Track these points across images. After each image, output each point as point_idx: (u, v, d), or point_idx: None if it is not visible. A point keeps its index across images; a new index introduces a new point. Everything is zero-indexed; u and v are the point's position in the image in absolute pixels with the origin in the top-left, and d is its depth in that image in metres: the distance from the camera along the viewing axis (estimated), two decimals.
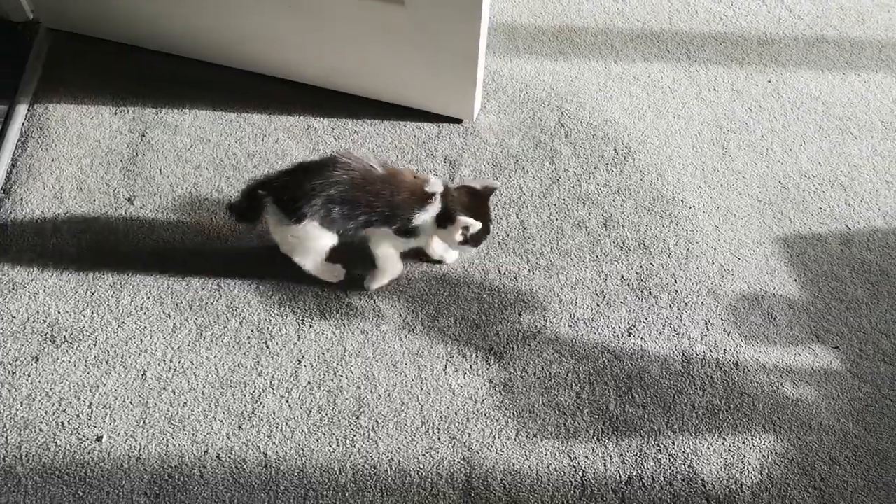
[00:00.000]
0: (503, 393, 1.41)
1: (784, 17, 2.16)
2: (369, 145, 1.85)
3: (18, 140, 1.79)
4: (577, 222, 1.66)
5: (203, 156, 1.81)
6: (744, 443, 1.33)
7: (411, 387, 1.43)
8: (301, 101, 1.93)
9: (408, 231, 1.42)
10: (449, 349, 1.48)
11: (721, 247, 1.61)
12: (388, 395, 1.42)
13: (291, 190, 1.38)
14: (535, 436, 1.35)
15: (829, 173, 1.74)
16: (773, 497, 1.26)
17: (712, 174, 1.75)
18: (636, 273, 1.57)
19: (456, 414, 1.39)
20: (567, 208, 1.70)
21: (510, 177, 1.77)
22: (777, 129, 1.85)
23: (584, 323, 1.51)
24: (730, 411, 1.37)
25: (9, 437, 1.34)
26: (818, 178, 1.74)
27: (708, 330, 1.48)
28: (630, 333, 1.48)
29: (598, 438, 1.34)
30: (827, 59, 2.03)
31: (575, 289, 1.56)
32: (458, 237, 1.42)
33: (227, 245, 1.64)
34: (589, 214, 1.68)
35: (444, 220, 1.41)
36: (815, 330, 1.47)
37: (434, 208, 1.41)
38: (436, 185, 1.42)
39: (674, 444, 1.33)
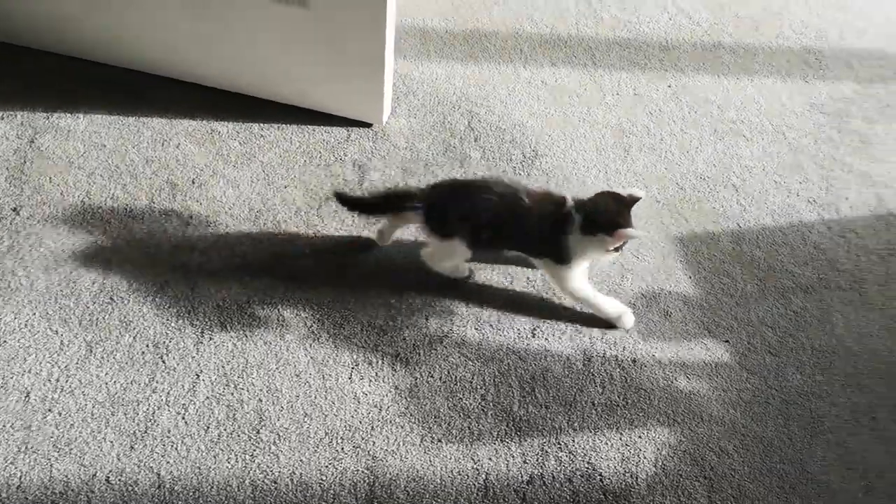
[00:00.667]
0: (409, 399, 1.41)
1: (684, 24, 2.25)
2: (276, 150, 1.81)
3: None
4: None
5: (97, 162, 1.73)
6: (640, 437, 1.37)
7: (315, 397, 1.40)
8: (205, 104, 1.88)
9: (562, 255, 1.41)
10: (355, 357, 1.46)
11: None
12: (291, 407, 1.39)
13: (440, 208, 1.45)
14: (439, 440, 1.35)
15: (722, 174, 1.82)
16: (666, 488, 1.31)
17: (615, 176, 1.80)
18: (541, 275, 1.59)
19: (361, 422, 1.37)
20: None
21: (420, 181, 1.77)
22: (675, 132, 1.92)
23: (490, 325, 1.52)
24: (627, 407, 1.41)
25: None
26: (712, 179, 1.81)
27: (608, 328, 1.52)
28: (534, 334, 1.51)
29: (501, 440, 1.36)
30: (723, 64, 2.12)
31: (482, 292, 1.57)
32: (610, 245, 1.39)
33: (122, 255, 1.57)
34: None
35: (591, 229, 1.39)
36: (707, 325, 1.53)
37: (575, 222, 1.39)
38: (568, 201, 1.42)
39: (574, 441, 1.35)
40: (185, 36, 1.82)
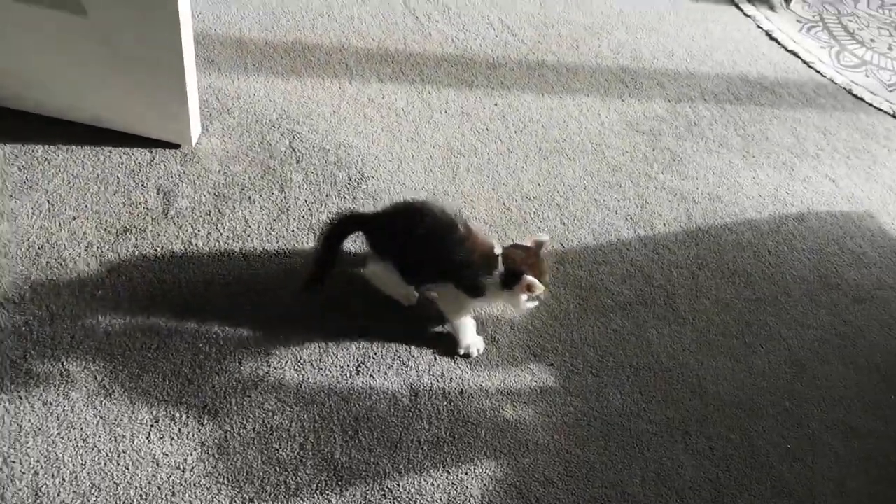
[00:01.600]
0: (217, 456, 1.27)
1: (510, 41, 2.27)
2: (63, 176, 1.59)
3: None
4: (306, 255, 1.57)
5: None
6: (466, 473, 1.33)
7: (105, 463, 1.23)
8: None
9: (476, 290, 1.40)
10: (154, 412, 1.30)
11: None
12: (75, 478, 1.21)
13: (379, 229, 1.46)
14: (251, 500, 1.24)
15: (546, 194, 1.85)
16: None
17: (442, 198, 1.77)
18: (366, 299, 1.52)
19: (160, 489, 1.22)
20: (296, 239, 1.60)
21: (234, 208, 1.63)
22: (502, 152, 1.92)
23: (312, 364, 1.42)
24: (454, 442, 1.37)
25: None
26: (537, 199, 1.83)
27: (436, 359, 1.48)
28: (359, 371, 1.43)
29: (321, 492, 1.26)
30: (546, 83, 2.17)
31: (307, 324, 1.47)
32: (524, 297, 1.40)
33: None
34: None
35: (510, 282, 1.38)
36: (532, 349, 1.54)
37: (498, 271, 1.39)
38: (498, 248, 1.42)
39: (399, 485, 1.29)
40: None
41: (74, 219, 1.53)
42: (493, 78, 2.13)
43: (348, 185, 1.74)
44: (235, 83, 1.90)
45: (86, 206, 1.56)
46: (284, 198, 1.68)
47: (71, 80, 1.61)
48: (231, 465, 1.27)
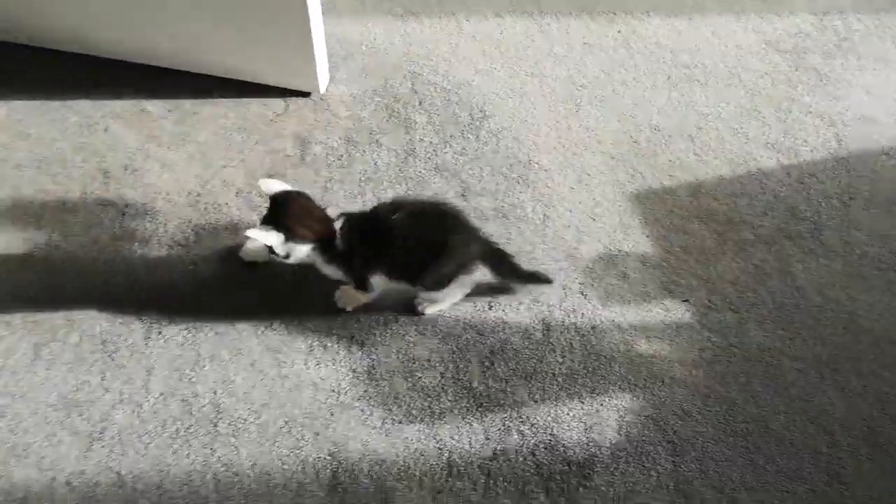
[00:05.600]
0: (367, 381, 1.38)
1: None
2: (211, 127, 1.72)
3: None
4: (435, 195, 1.62)
5: (22, 153, 1.63)
6: (602, 405, 1.36)
7: (272, 386, 1.37)
8: (132, 82, 1.77)
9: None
10: (309, 342, 1.43)
11: (577, 209, 1.62)
12: (248, 398, 1.36)
13: None
14: (400, 422, 1.34)
15: (677, 124, 1.78)
16: (630, 455, 1.31)
17: (566, 133, 1.75)
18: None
19: (319, 409, 1.35)
20: (424, 181, 1.65)
21: (364, 151, 1.70)
22: (628, 82, 1.86)
23: None
24: (588, 375, 1.40)
25: None
26: (667, 130, 1.76)
27: (566, 295, 1.50)
28: (491, 307, 1.48)
29: (462, 417, 1.35)
30: (674, 4, 2.04)
31: None
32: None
33: (60, 251, 1.50)
34: (447, 185, 1.65)
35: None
36: (666, 285, 1.52)
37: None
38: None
39: (535, 414, 1.35)
40: (103, 9, 1.69)
41: (224, 167, 1.66)
42: (616, 3, 2.03)
43: (470, 125, 1.76)
44: (357, 29, 1.94)
45: (232, 155, 1.68)
46: (410, 140, 1.73)
47: (211, 36, 1.71)
48: (380, 390, 1.37)
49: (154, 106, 1.74)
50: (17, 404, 1.33)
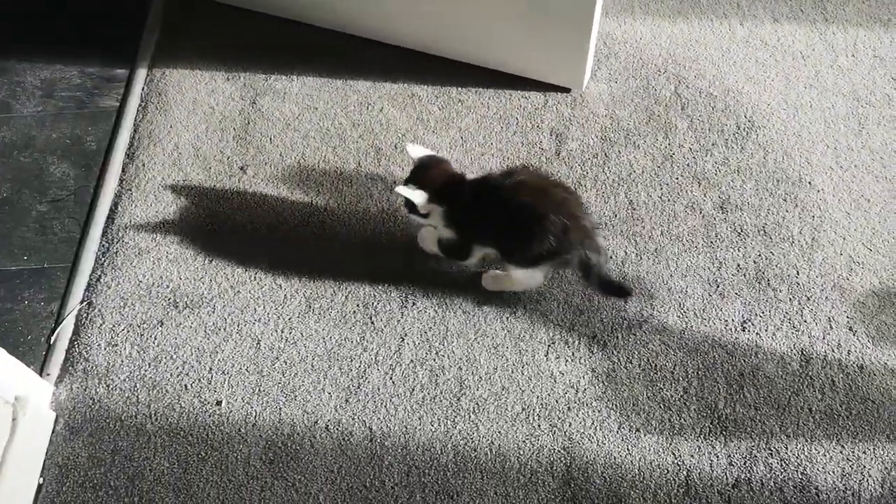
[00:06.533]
0: (606, 383, 1.39)
1: None
2: (473, 115, 1.81)
3: (139, 105, 1.87)
4: (690, 204, 1.58)
5: (310, 125, 1.83)
6: (864, 452, 1.26)
7: (512, 371, 1.43)
8: (404, 67, 1.91)
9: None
10: (551, 334, 1.47)
11: (851, 236, 1.49)
12: (489, 378, 1.43)
13: None
14: (638, 430, 1.33)
15: None
16: None
17: (846, 154, 1.61)
18: (754, 262, 1.48)
19: (557, 402, 1.39)
20: (680, 188, 1.61)
21: (620, 152, 1.69)
22: None
23: (695, 314, 1.45)
24: (851, 417, 1.29)
25: (140, 396, 1.45)
26: None
27: (831, 328, 1.39)
28: (744, 328, 1.42)
29: (704, 437, 1.31)
30: None
31: (686, 276, 1.50)
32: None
33: (334, 217, 1.67)
34: (704, 195, 1.59)
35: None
36: None
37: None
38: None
39: (787, 448, 1.28)
40: (398, 4, 1.84)
41: (482, 154, 1.74)
42: None
43: (736, 135, 1.68)
44: (622, 27, 1.93)
45: (491, 143, 1.76)
46: (668, 144, 1.69)
47: (488, 30, 1.80)
48: (619, 394, 1.38)
49: (423, 91, 1.86)
50: (290, 349, 1.50)
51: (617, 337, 1.44)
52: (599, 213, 1.60)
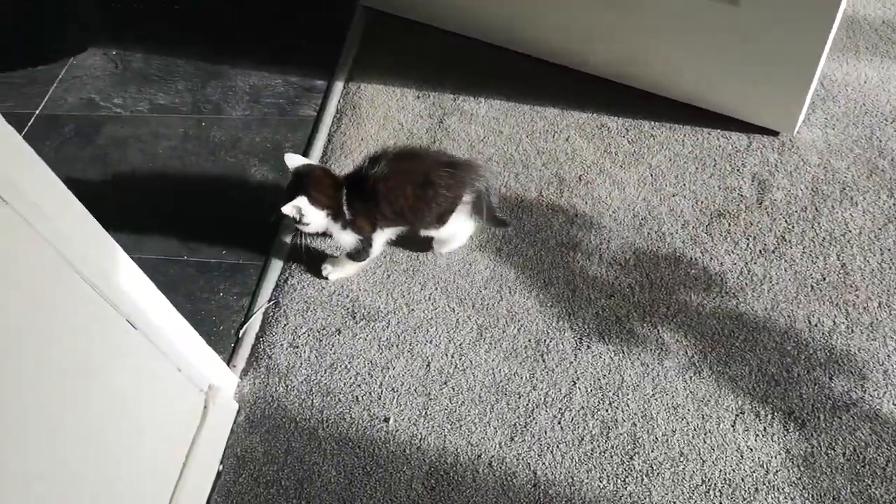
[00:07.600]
0: (802, 468, 1.26)
1: None
2: (666, 152, 1.71)
3: (335, 116, 1.95)
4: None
5: (494, 148, 1.82)
6: None
7: (693, 437, 1.33)
8: (595, 96, 1.85)
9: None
10: (740, 403, 1.35)
11: None
12: (666, 441, 1.34)
13: None
14: None
15: None
16: None
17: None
18: None
19: (743, 480, 1.27)
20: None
21: (833, 207, 1.53)
22: None
23: None
24: None
25: (314, 401, 1.50)
26: None
27: None
28: None
29: None
30: None
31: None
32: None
33: (511, 245, 1.65)
34: None
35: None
36: None
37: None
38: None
39: None
40: (586, 25, 1.79)
41: (673, 196, 1.65)
42: None
43: None
44: (844, 68, 1.75)
45: (684, 184, 1.66)
46: (894, 205, 1.51)
47: (692, 63, 1.70)
48: (816, 483, 1.24)
49: (613, 122, 1.80)
50: (458, 376, 1.49)
51: (818, 417, 1.30)
52: (805, 274, 1.46)
